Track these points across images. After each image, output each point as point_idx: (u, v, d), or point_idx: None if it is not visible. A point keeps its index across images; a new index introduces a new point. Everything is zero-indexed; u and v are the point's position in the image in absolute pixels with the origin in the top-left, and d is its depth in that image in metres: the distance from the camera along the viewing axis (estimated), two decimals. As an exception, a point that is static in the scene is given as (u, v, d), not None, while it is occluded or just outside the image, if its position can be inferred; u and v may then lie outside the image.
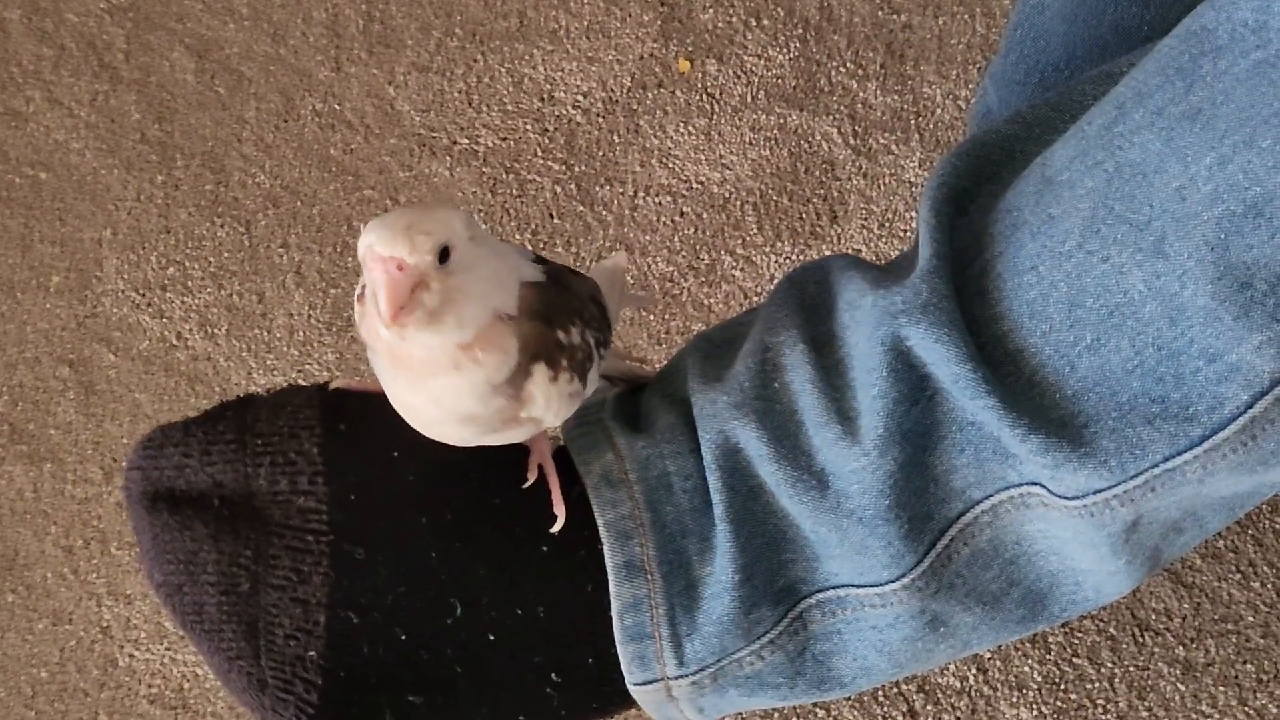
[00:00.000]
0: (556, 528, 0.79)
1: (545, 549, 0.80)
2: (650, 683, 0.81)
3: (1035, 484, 0.74)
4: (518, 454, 0.81)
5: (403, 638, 0.77)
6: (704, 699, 0.82)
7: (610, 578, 0.79)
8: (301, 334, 1.34)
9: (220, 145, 1.46)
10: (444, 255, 0.67)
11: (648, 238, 1.32)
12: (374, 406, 0.76)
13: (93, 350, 1.38)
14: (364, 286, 0.70)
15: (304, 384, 0.83)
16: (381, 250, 0.66)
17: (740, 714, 1.01)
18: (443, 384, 0.70)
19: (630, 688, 0.81)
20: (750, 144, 1.34)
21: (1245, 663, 1.07)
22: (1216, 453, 0.69)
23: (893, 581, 0.77)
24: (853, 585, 0.78)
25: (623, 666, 0.81)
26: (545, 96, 1.41)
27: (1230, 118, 0.66)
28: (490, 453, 0.79)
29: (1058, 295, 0.71)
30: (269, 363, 1.33)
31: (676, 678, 0.80)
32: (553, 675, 0.80)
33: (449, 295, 0.68)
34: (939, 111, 1.32)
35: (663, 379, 0.86)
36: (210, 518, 0.77)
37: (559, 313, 0.74)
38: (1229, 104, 0.66)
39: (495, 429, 0.74)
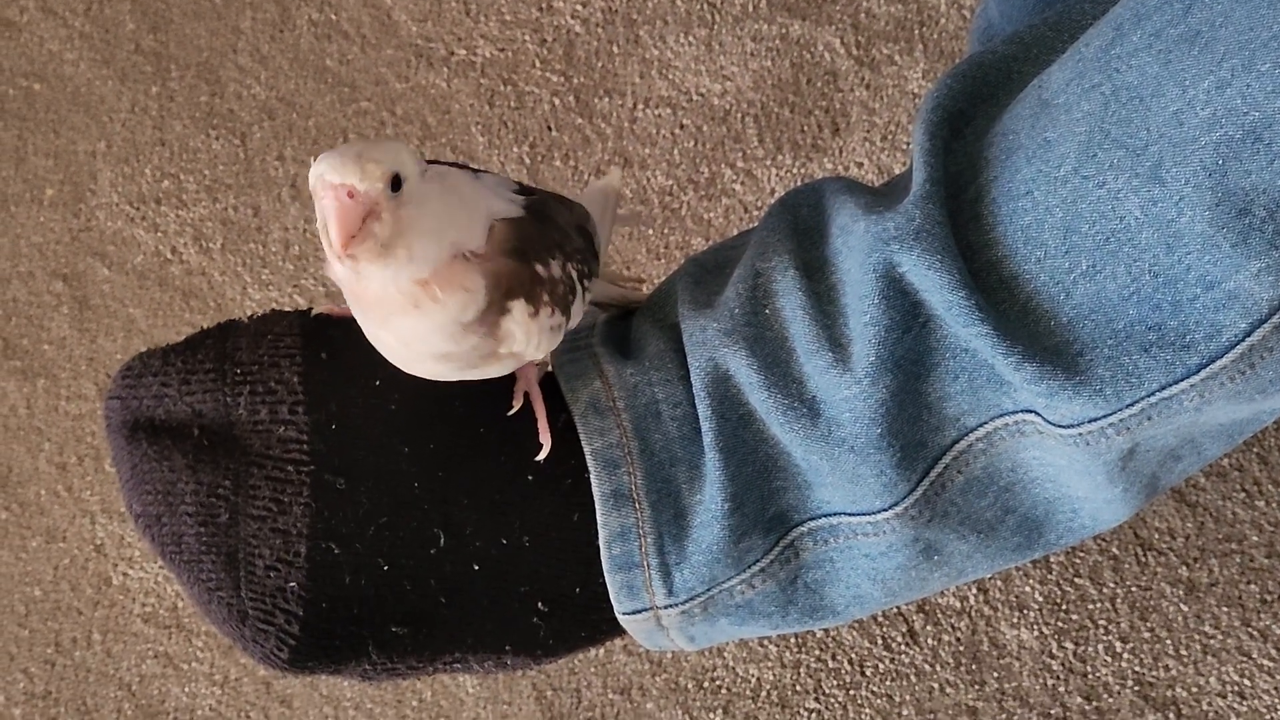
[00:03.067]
0: (542, 456, 0.79)
1: (531, 478, 0.79)
2: (639, 612, 0.81)
3: (1030, 412, 0.73)
4: (503, 382, 0.80)
5: (385, 568, 0.77)
6: (694, 628, 0.81)
7: (598, 507, 0.79)
8: (297, 248, 1.33)
9: (215, 56, 1.45)
10: (396, 184, 0.66)
11: (647, 151, 1.31)
12: (357, 334, 0.75)
13: (87, 264, 1.37)
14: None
15: (287, 309, 0.81)
16: (332, 178, 0.65)
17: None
18: (407, 324, 0.70)
19: (619, 617, 0.81)
20: (751, 55, 1.32)
21: (1249, 583, 1.06)
22: (1214, 381, 0.68)
23: (885, 510, 0.77)
24: (845, 514, 0.78)
25: (611, 596, 0.80)
26: (544, 6, 1.40)
27: (1229, 40, 0.65)
28: (475, 381, 0.78)
29: (1053, 221, 0.70)
30: (264, 277, 1.33)
31: (666, 607, 0.80)
32: (539, 605, 0.80)
33: (400, 227, 0.67)
34: (943, 21, 1.30)
35: (653, 304, 0.85)
36: (189, 447, 0.76)
37: (537, 247, 0.73)
38: (1228, 26, 0.65)
39: (474, 365, 0.73)
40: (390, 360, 0.73)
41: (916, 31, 1.31)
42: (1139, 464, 0.75)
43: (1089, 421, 0.71)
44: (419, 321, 0.69)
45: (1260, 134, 0.64)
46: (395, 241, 0.66)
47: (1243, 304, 0.66)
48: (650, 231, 1.27)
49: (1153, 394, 0.69)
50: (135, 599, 1.23)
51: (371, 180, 0.65)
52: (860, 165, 1.26)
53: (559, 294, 0.74)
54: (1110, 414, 0.70)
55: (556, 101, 1.35)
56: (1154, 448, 0.74)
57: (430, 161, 0.73)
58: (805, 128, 1.28)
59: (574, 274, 0.75)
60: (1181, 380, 0.69)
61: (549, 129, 1.34)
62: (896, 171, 1.24)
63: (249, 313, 0.81)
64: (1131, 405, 0.70)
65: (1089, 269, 0.69)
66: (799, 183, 1.25)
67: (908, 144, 1.27)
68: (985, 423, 0.75)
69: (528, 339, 0.72)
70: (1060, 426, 0.72)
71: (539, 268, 0.72)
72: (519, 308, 0.71)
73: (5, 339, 1.35)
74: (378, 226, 0.66)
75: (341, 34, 1.43)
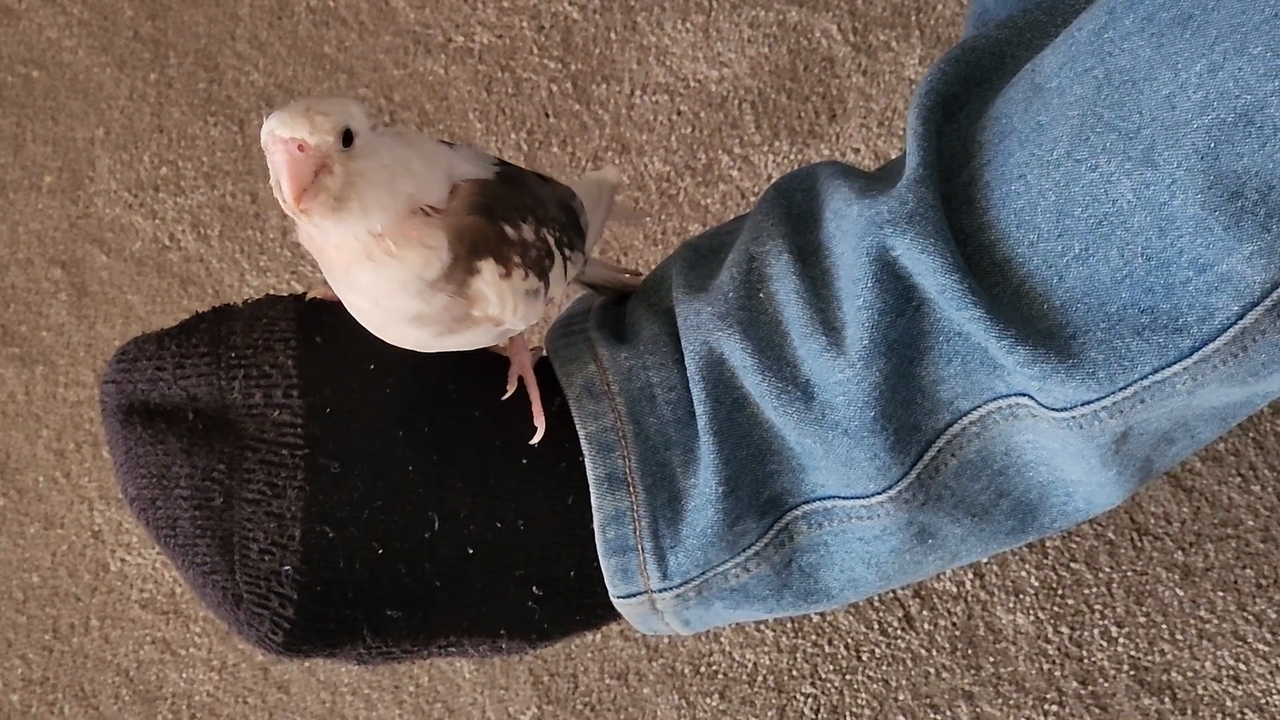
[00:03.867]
0: (536, 439, 0.79)
1: (525, 461, 0.80)
2: (634, 595, 0.81)
3: (1023, 395, 0.73)
4: (498, 366, 0.80)
5: (380, 552, 0.77)
6: (689, 611, 0.82)
7: (592, 490, 0.79)
8: (294, 235, 1.33)
9: (214, 43, 1.45)
10: (347, 139, 0.66)
11: (644, 137, 1.31)
12: (352, 318, 0.75)
13: (85, 251, 1.37)
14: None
15: (282, 294, 0.82)
16: (282, 133, 0.65)
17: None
18: (367, 279, 0.70)
19: (614, 600, 0.81)
20: (749, 41, 1.32)
21: (1245, 568, 1.06)
22: (1206, 364, 0.69)
23: (879, 493, 0.77)
24: (839, 497, 0.78)
25: (606, 580, 0.80)
26: (541, -8, 1.40)
27: (1221, 24, 0.65)
28: (470, 365, 0.78)
29: (1046, 204, 0.70)
30: (262, 264, 1.33)
31: (660, 590, 0.80)
32: (534, 589, 0.80)
33: (352, 179, 0.67)
34: (940, 7, 1.30)
35: (647, 288, 0.85)
36: (184, 431, 0.77)
37: (504, 206, 0.73)
38: (1220, 10, 0.65)
39: (451, 329, 0.73)
40: (368, 328, 0.73)
41: (913, 18, 1.31)
42: (1132, 447, 0.75)
43: (1082, 405, 0.71)
44: (378, 275, 0.70)
45: (1252, 117, 0.64)
46: (348, 193, 0.67)
47: (1235, 287, 0.66)
48: (647, 217, 1.27)
49: (1145, 377, 0.69)
50: (133, 585, 1.23)
51: (322, 133, 0.65)
52: (857, 151, 1.26)
53: (532, 257, 0.73)
54: (1103, 397, 0.70)
55: (554, 88, 1.35)
56: (1147, 431, 0.75)
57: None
58: (802, 114, 1.28)
59: (550, 240, 0.75)
60: (1174, 363, 0.69)
61: (546, 115, 1.34)
62: (893, 156, 1.24)
63: (246, 299, 0.81)
64: (1124, 388, 0.70)
65: (1081, 252, 0.70)
66: (796, 169, 1.25)
67: (904, 130, 1.27)
68: (978, 406, 0.75)
69: (501, 302, 0.72)
70: (1053, 410, 0.72)
71: (507, 228, 0.72)
72: (489, 268, 0.71)
73: (4, 325, 1.35)
74: (329, 179, 0.66)
75: (339, 20, 1.43)
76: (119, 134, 1.42)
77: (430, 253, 0.69)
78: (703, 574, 0.80)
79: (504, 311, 0.73)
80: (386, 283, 0.70)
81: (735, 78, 1.31)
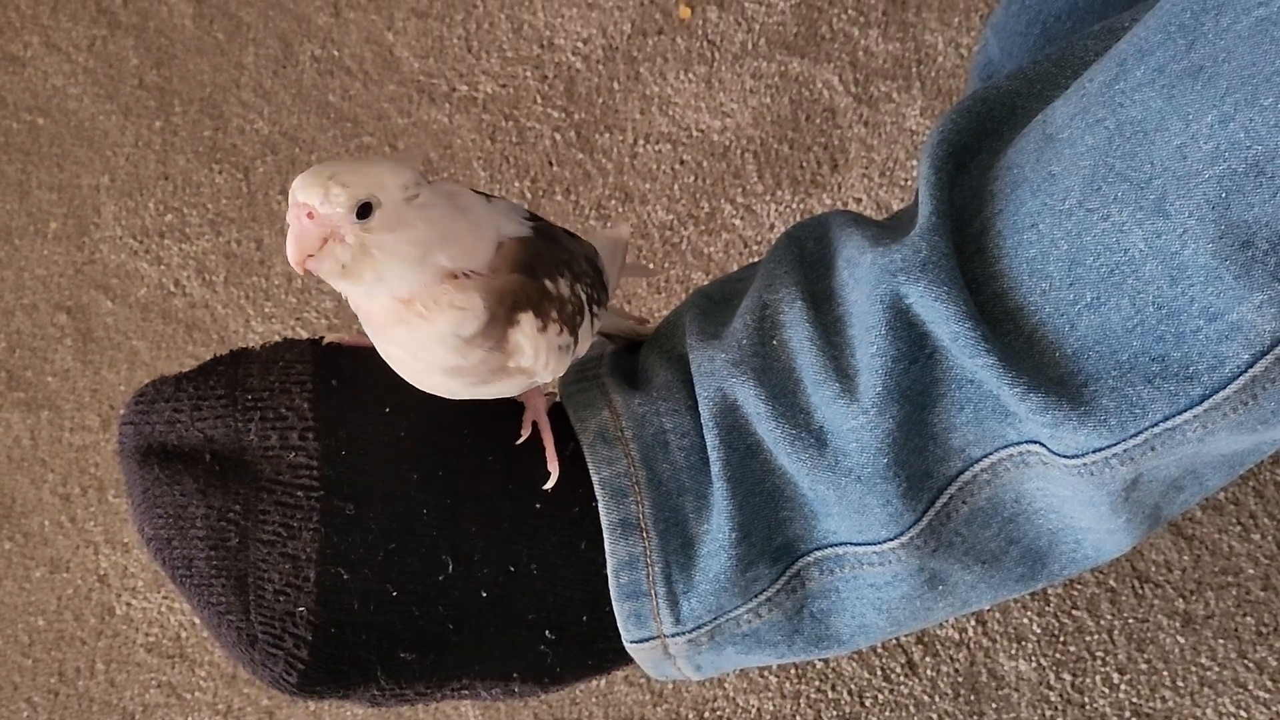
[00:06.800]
0: (550, 484, 0.79)
1: (539, 506, 0.80)
2: (646, 640, 0.81)
3: (1035, 442, 0.73)
4: (512, 410, 0.80)
5: (394, 594, 0.77)
6: (701, 656, 0.82)
7: (605, 535, 0.79)
8: (299, 281, 1.34)
9: (218, 91, 1.45)
10: (364, 210, 0.66)
11: (647, 185, 1.31)
12: (367, 362, 0.76)
13: (90, 297, 1.37)
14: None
15: (298, 338, 0.82)
16: (298, 195, 0.66)
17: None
18: (402, 335, 0.70)
19: (626, 645, 0.81)
20: (751, 91, 1.33)
21: (1245, 615, 1.06)
22: (1217, 412, 0.69)
23: (891, 540, 0.77)
24: (851, 543, 0.78)
25: (619, 624, 0.80)
26: (545, 43, 1.41)
27: (1232, 75, 0.65)
28: (484, 409, 0.78)
29: (1058, 253, 0.71)
30: (267, 310, 1.33)
31: (673, 635, 0.80)
32: (546, 633, 0.80)
33: (367, 250, 0.67)
34: (941, 59, 1.31)
35: (660, 335, 0.85)
36: (200, 472, 0.77)
37: (545, 263, 0.73)
38: (1231, 62, 0.66)
39: (485, 380, 0.73)
40: (402, 375, 0.74)
41: (914, 69, 1.32)
42: (1142, 494, 0.76)
43: (1093, 452, 0.71)
44: (412, 335, 0.70)
45: (1263, 167, 0.64)
46: (360, 264, 0.67)
47: (1245, 335, 0.66)
48: (650, 265, 1.28)
49: (1156, 424, 0.70)
50: (138, 629, 1.23)
51: (334, 205, 0.66)
52: (859, 200, 1.27)
53: (567, 313, 0.74)
54: (1114, 444, 0.70)
55: (558, 137, 1.36)
56: (1157, 478, 0.75)
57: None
58: (804, 164, 1.29)
59: (583, 295, 0.76)
60: (1185, 411, 0.69)
61: (550, 164, 1.35)
62: (895, 207, 1.25)
63: (264, 343, 0.82)
64: (1135, 435, 0.70)
65: (1093, 301, 0.70)
66: (798, 218, 1.26)
67: (906, 180, 1.27)
68: (990, 453, 0.75)
69: (536, 353, 0.73)
70: (1064, 457, 0.72)
71: (548, 283, 0.73)
72: (527, 320, 0.72)
73: (9, 371, 1.35)
74: (339, 249, 0.67)
75: (344, 70, 1.44)
76: (124, 181, 1.42)
77: (462, 314, 0.70)
78: (715, 619, 0.80)
79: (537, 364, 0.73)
80: (423, 338, 0.70)
81: (738, 127, 1.32)
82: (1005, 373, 0.71)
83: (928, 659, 1.09)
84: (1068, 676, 1.07)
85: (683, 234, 1.29)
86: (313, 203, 0.66)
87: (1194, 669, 1.06)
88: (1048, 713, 1.06)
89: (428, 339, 0.70)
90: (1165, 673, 1.06)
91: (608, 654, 0.83)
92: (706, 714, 1.11)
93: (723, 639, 0.81)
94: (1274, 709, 1.03)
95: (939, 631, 1.09)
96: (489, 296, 0.70)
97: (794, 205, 1.27)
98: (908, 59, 1.32)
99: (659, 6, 1.39)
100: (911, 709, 1.08)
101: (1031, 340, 0.72)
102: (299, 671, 0.77)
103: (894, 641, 1.10)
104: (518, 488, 0.80)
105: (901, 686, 1.09)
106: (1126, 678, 1.06)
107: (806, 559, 0.79)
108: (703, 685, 1.12)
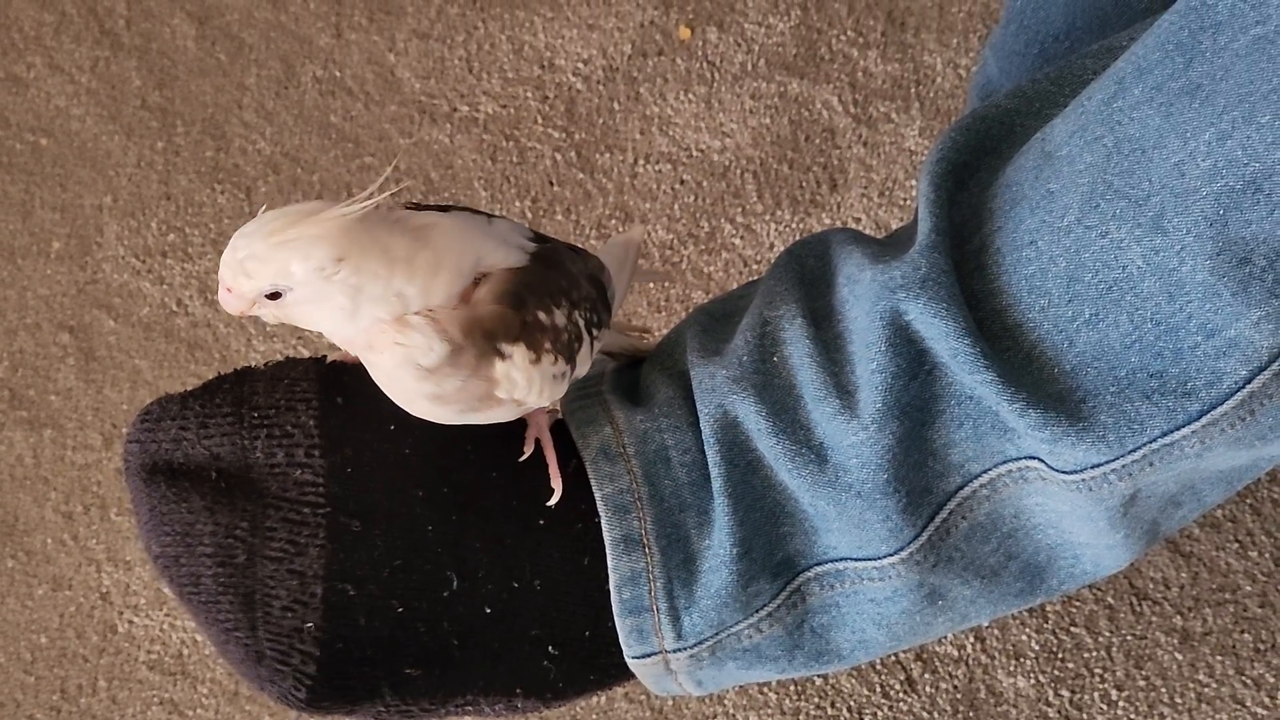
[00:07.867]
0: (553, 501, 0.80)
1: (542, 522, 0.80)
2: (648, 656, 0.81)
3: (1033, 458, 0.74)
4: (516, 427, 0.81)
5: (399, 610, 0.77)
6: (702, 672, 0.82)
7: (608, 551, 0.80)
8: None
9: (221, 112, 1.46)
10: (275, 295, 0.68)
11: (647, 205, 1.32)
12: (371, 380, 0.76)
13: (93, 316, 1.38)
14: None
15: (302, 356, 0.83)
16: (220, 271, 0.69)
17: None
18: (377, 369, 0.72)
19: (628, 661, 0.82)
20: (750, 112, 1.34)
21: (1243, 632, 1.07)
22: (1214, 428, 0.69)
23: (891, 555, 0.77)
24: (851, 559, 0.78)
25: (621, 640, 0.81)
26: (545, 64, 1.41)
27: (1230, 93, 0.66)
28: (487, 427, 0.79)
29: (1056, 270, 0.71)
30: (268, 329, 1.33)
31: (674, 651, 0.81)
32: (550, 648, 0.81)
33: (289, 318, 0.70)
34: (939, 80, 1.32)
35: (661, 352, 0.86)
36: (207, 490, 0.77)
37: (537, 293, 0.74)
38: (1228, 80, 0.66)
39: (473, 408, 0.74)
40: (395, 400, 0.74)
41: (913, 90, 1.32)
42: (1140, 510, 0.76)
43: (1092, 467, 0.71)
44: (376, 367, 0.72)
45: (1260, 184, 0.64)
46: (292, 322, 0.70)
47: (1243, 351, 0.67)
48: (651, 283, 1.28)
49: (1155, 440, 0.70)
50: (141, 646, 1.23)
51: (242, 290, 0.68)
52: (858, 220, 1.27)
53: (563, 342, 0.74)
54: (1113, 460, 0.71)
55: (558, 157, 1.36)
56: (1155, 494, 0.75)
57: (441, 207, 0.74)
58: (804, 183, 1.30)
59: (581, 322, 0.76)
60: (1183, 426, 0.69)
61: (551, 184, 1.35)
62: (894, 226, 1.25)
63: (268, 362, 0.82)
64: (1134, 451, 0.70)
65: (1092, 317, 0.70)
66: (798, 237, 1.26)
67: (905, 200, 1.28)
68: (989, 469, 0.76)
69: (529, 385, 0.73)
70: (1063, 473, 0.72)
71: (540, 314, 0.73)
72: (520, 353, 0.72)
73: (12, 390, 1.36)
74: (265, 312, 0.69)
75: (345, 90, 1.44)
76: (127, 201, 1.42)
77: (406, 351, 0.70)
78: (716, 634, 0.80)
79: (530, 395, 0.74)
80: (388, 369, 0.71)
81: (737, 147, 1.32)
82: (1004, 389, 0.71)
83: (927, 676, 1.09)
84: (1066, 693, 1.07)
85: (683, 253, 1.29)
86: (228, 284, 0.68)
87: (1192, 685, 1.06)
88: (1047, 729, 1.07)
89: (391, 370, 0.71)
90: (1163, 689, 1.06)
91: (610, 669, 0.83)
92: (707, 730, 1.11)
93: (724, 654, 0.81)
94: (1272, 725, 1.04)
95: (938, 648, 1.10)
96: (457, 328, 0.71)
97: (793, 225, 1.28)
98: (906, 80, 1.33)
99: (659, 27, 1.40)
100: (911, 725, 1.08)
101: (1030, 356, 0.72)
102: (307, 687, 0.77)
103: (893, 658, 1.10)
104: (521, 504, 0.80)
105: (900, 703, 1.09)
106: (1125, 694, 1.06)
107: (807, 574, 0.80)
108: (703, 702, 1.12)
